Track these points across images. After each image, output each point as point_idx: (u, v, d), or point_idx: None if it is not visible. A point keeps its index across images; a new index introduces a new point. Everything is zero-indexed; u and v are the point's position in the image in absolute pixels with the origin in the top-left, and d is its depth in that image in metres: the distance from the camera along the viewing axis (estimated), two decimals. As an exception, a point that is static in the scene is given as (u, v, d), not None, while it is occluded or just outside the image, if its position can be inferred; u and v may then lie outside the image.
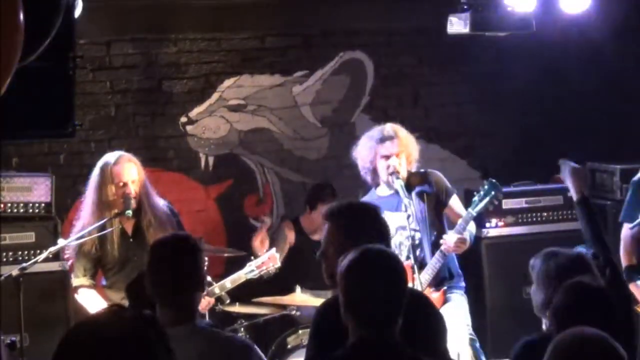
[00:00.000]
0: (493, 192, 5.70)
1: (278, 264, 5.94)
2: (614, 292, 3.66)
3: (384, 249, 3.44)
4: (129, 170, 5.59)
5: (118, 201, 5.56)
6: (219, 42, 7.17)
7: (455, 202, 5.86)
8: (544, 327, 3.95)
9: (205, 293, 5.04)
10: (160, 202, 5.74)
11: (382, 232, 3.86)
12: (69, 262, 5.90)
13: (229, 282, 5.82)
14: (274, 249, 6.06)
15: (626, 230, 5.57)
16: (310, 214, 6.71)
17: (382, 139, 5.72)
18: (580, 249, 4.17)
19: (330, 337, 3.50)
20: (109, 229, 5.56)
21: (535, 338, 3.66)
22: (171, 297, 3.59)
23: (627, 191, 5.82)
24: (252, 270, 5.87)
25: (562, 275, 3.68)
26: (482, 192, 5.71)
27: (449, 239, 5.57)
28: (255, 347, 3.64)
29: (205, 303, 5.63)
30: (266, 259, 5.91)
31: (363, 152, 5.81)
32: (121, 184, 5.56)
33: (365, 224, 3.83)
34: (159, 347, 2.15)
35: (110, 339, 2.11)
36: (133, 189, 5.57)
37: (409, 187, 5.72)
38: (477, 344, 5.63)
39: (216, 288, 5.75)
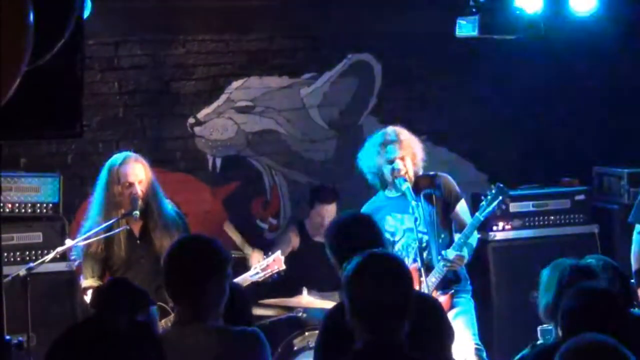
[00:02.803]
0: (501, 196, 5.68)
1: (283, 267, 5.93)
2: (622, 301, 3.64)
3: (389, 252, 3.44)
4: (136, 170, 5.57)
5: (125, 202, 5.54)
6: (227, 44, 7.17)
7: (461, 209, 5.79)
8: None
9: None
10: (169, 204, 5.73)
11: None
12: (77, 263, 5.90)
13: (235, 283, 5.82)
14: (279, 252, 6.04)
15: (637, 233, 5.50)
16: (310, 215, 6.75)
17: (385, 144, 5.71)
18: (590, 260, 4.13)
19: (338, 339, 3.50)
20: (116, 230, 5.56)
21: (550, 344, 3.64)
22: (182, 295, 3.66)
23: (635, 195, 5.79)
24: (257, 273, 5.86)
25: (566, 282, 3.67)
26: (489, 196, 5.69)
27: (448, 256, 5.55)
28: (262, 335, 3.67)
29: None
30: (271, 262, 5.90)
31: (368, 157, 5.80)
32: (127, 184, 5.53)
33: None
34: (152, 352, 2.14)
35: (103, 343, 2.10)
36: (140, 190, 5.54)
37: (417, 189, 5.70)
38: (484, 354, 5.59)
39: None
